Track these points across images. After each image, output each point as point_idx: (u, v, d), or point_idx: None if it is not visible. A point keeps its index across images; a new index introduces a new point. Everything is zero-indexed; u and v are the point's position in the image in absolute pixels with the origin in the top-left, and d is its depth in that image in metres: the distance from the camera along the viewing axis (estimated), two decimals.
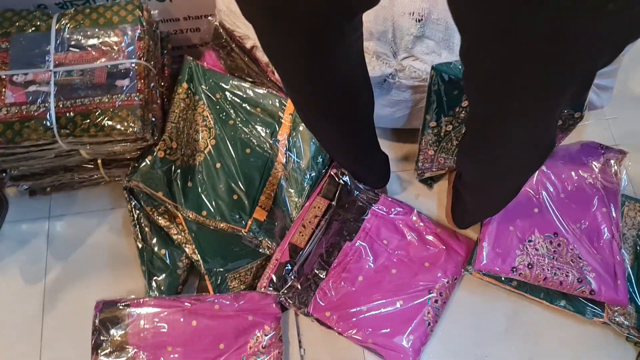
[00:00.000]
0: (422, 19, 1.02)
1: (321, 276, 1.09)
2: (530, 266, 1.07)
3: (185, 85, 1.14)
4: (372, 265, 1.12)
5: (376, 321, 1.07)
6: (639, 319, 1.08)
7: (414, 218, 1.17)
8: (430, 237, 1.15)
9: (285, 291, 1.07)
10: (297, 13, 0.61)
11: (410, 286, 1.10)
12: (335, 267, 1.10)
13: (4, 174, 1.15)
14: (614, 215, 1.14)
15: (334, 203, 1.15)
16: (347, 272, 1.10)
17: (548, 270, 1.07)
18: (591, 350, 1.11)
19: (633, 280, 1.11)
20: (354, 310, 1.07)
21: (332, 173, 1.16)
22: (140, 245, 1.12)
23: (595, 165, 1.18)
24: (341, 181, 1.16)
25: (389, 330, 1.06)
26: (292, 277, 1.08)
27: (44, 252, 1.20)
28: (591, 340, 1.12)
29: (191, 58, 1.17)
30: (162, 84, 1.17)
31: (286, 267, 1.08)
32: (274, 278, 1.07)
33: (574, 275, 1.07)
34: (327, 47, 0.68)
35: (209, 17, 1.22)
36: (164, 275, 1.10)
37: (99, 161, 1.14)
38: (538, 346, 1.12)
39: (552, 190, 1.16)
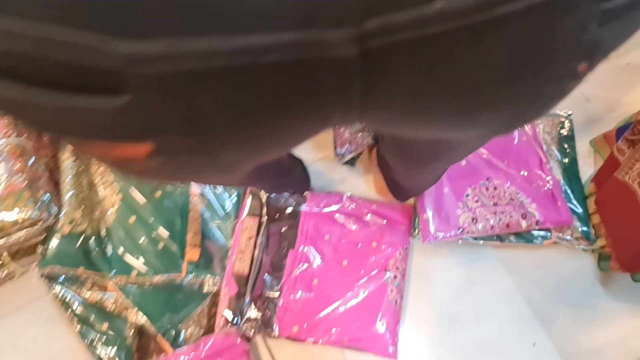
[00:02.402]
0: None
1: (275, 295, 1.05)
2: (474, 221, 1.07)
3: (70, 147, 1.05)
4: (321, 263, 1.08)
5: (345, 318, 1.04)
6: (582, 228, 1.11)
7: (347, 204, 1.14)
8: (368, 217, 1.13)
9: (245, 323, 1.02)
10: None
11: (366, 271, 1.08)
12: (287, 280, 1.06)
13: None
14: (537, 138, 1.16)
15: (263, 219, 1.10)
16: (299, 280, 1.07)
17: (492, 218, 1.07)
18: (552, 271, 1.14)
19: (570, 194, 1.13)
20: (320, 315, 1.04)
21: (252, 190, 1.12)
22: (79, 327, 1.03)
23: None
24: (263, 195, 1.12)
25: (360, 322, 1.03)
26: (247, 306, 1.03)
27: None
28: (548, 262, 1.14)
29: None
30: (44, 153, 1.07)
31: (238, 300, 1.03)
32: (229, 314, 1.02)
33: (517, 212, 1.08)
34: None
35: None
36: (114, 349, 1.02)
37: (4, 255, 1.04)
38: (502, 286, 1.13)
39: None
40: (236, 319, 1.02)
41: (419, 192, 1.09)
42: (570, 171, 1.16)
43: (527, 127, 1.16)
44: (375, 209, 1.14)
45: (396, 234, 1.11)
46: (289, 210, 1.12)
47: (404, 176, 0.95)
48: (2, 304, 1.14)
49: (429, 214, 1.09)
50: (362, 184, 1.23)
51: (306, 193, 1.15)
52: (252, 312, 1.02)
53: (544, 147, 1.16)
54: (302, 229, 1.11)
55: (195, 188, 1.07)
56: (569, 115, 1.23)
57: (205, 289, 1.04)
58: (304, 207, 1.13)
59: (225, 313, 1.02)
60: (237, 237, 1.07)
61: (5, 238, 0.95)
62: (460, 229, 1.07)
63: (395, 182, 1.04)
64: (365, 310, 1.05)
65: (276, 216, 1.11)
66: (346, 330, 1.03)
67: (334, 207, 1.14)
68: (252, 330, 1.02)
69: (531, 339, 1.09)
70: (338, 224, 1.12)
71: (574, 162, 1.18)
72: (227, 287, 1.04)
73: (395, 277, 1.07)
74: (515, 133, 1.16)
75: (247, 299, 1.03)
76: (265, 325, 1.02)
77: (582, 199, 1.14)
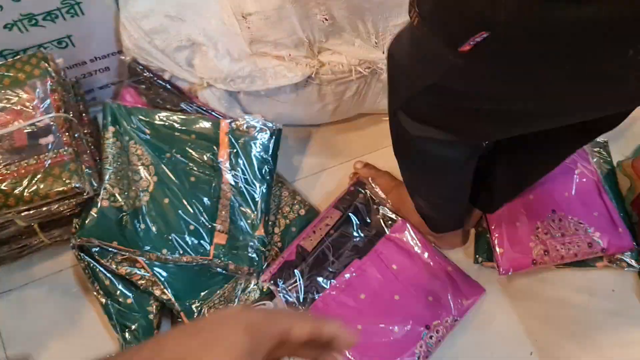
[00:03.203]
0: (327, 19, 1.05)
1: (324, 285, 1.10)
2: (546, 253, 1.14)
3: (112, 128, 1.10)
4: (376, 286, 1.13)
5: (367, 342, 1.07)
6: (633, 251, 1.17)
7: (426, 254, 1.17)
8: (440, 273, 1.16)
9: (286, 286, 1.08)
10: None
11: (409, 316, 1.10)
12: (340, 279, 1.11)
13: None
14: (592, 168, 1.22)
15: (349, 213, 1.18)
16: (351, 287, 1.11)
17: (562, 248, 1.14)
18: (608, 291, 1.19)
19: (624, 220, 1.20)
20: (349, 325, 1.07)
21: (352, 189, 1.21)
22: (103, 301, 1.07)
23: None
24: (359, 196, 1.21)
25: (378, 356, 1.06)
26: (297, 276, 1.09)
27: None
28: (605, 283, 1.20)
29: (111, 100, 1.13)
30: (86, 131, 1.12)
31: (292, 266, 1.11)
32: (278, 273, 1.10)
33: (583, 242, 1.14)
34: None
35: (120, 57, 1.18)
36: (136, 324, 1.06)
37: (36, 226, 1.08)
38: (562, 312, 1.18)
39: None
40: (281, 280, 1.09)
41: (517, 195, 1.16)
42: (617, 196, 1.24)
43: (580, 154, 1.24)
44: (449, 271, 1.16)
45: (456, 303, 1.12)
46: (377, 223, 1.19)
47: (520, 176, 1.05)
48: (26, 274, 1.18)
49: (504, 248, 1.14)
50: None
51: (399, 217, 1.20)
52: (297, 283, 1.09)
53: (600, 177, 1.22)
54: (378, 248, 1.16)
55: (227, 176, 1.13)
56: (606, 141, 1.31)
57: (229, 272, 1.09)
58: (390, 231, 1.18)
59: (275, 271, 1.10)
60: (317, 220, 1.17)
61: (47, 207, 1.00)
62: (534, 261, 1.13)
63: (494, 188, 1.10)
64: (389, 348, 1.07)
65: (365, 221, 1.19)
66: (362, 353, 1.06)
67: (417, 249, 1.18)
68: (288, 296, 1.08)
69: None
70: (410, 262, 1.16)
71: (616, 186, 1.26)
72: (287, 252, 1.12)
73: (431, 337, 1.09)
74: (572, 164, 1.23)
75: (299, 270, 1.10)
76: (299, 301, 1.08)
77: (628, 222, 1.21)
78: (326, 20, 1.05)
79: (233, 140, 1.15)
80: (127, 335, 1.06)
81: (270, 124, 1.17)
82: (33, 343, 1.11)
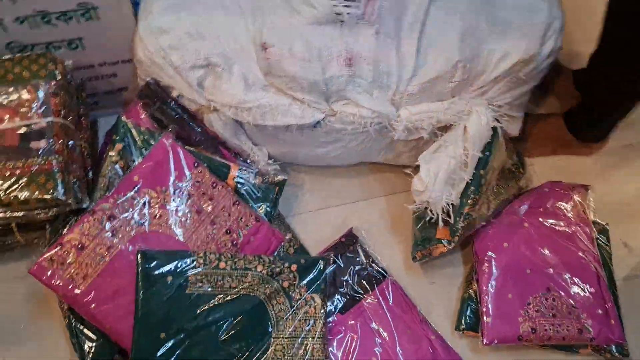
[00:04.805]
0: (350, 60, 1.03)
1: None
2: (534, 331, 1.10)
3: (119, 146, 1.07)
4: (353, 342, 1.11)
5: None
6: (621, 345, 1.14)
7: (410, 318, 1.15)
8: (422, 339, 1.13)
9: None
10: None
11: None
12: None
13: None
14: (595, 252, 1.20)
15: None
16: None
17: (550, 329, 1.10)
18: None
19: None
20: None
21: (343, 239, 1.21)
22: (67, 321, 1.03)
23: (566, 208, 1.24)
24: (350, 248, 1.20)
25: None
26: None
27: None
28: None
29: (125, 117, 1.10)
30: (82, 136, 1.09)
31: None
32: None
33: (574, 327, 1.11)
34: None
35: (139, 75, 1.14)
36: (95, 344, 1.02)
37: (13, 225, 1.04)
38: None
39: (537, 247, 1.19)
40: None
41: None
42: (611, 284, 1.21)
43: (586, 238, 1.21)
44: (432, 339, 1.14)
45: None
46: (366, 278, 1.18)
47: None
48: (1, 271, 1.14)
49: (492, 318, 1.11)
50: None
51: (387, 275, 1.19)
52: None
53: (599, 259, 1.19)
54: (361, 306, 1.14)
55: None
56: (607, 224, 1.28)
57: None
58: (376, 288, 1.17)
59: None
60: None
61: (26, 212, 0.96)
62: (520, 337, 1.10)
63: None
64: None
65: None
66: None
67: (401, 311, 1.15)
68: None
69: None
70: (393, 322, 1.14)
71: (611, 273, 1.23)
72: None
73: None
74: (576, 242, 1.21)
75: None
76: None
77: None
78: (349, 61, 1.02)
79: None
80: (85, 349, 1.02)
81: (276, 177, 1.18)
82: None
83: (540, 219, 1.24)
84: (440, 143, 1.11)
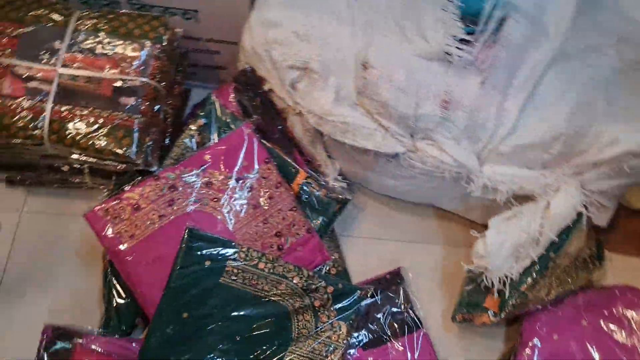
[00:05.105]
0: (447, 102, 0.99)
1: None
2: None
3: (201, 122, 1.09)
4: None
5: None
6: None
7: None
8: None
9: None
10: None
11: None
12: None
13: None
14: None
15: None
16: None
17: None
18: None
19: None
20: None
21: (388, 277, 1.17)
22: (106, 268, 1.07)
23: (633, 318, 1.13)
24: (392, 287, 1.16)
25: None
26: None
27: (7, 247, 1.14)
28: None
29: (215, 96, 1.12)
30: (170, 102, 1.12)
31: None
32: None
33: None
34: None
35: (238, 62, 1.16)
36: (123, 302, 1.05)
37: (86, 169, 1.09)
38: None
39: (588, 350, 1.10)
40: None
41: None
42: None
43: None
44: None
45: None
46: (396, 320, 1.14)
47: None
48: (59, 205, 1.20)
49: None
50: None
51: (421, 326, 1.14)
52: None
53: None
54: (387, 349, 1.11)
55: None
56: None
57: None
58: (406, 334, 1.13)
59: None
60: None
61: (98, 160, 1.00)
62: None
63: None
64: None
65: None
66: None
67: None
68: None
69: None
70: None
71: None
72: None
73: None
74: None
75: None
76: None
77: None
78: (446, 104, 0.98)
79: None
80: (112, 311, 1.05)
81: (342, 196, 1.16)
82: (33, 270, 1.13)
83: (601, 321, 1.13)
84: (515, 212, 1.04)
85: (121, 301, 1.05)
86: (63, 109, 0.97)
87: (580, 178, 1.05)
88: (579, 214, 1.05)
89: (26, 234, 1.16)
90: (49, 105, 0.97)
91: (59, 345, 0.99)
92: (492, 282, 1.07)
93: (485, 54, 0.96)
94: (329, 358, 1.05)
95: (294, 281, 1.05)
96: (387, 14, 1.02)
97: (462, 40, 0.95)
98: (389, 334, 1.13)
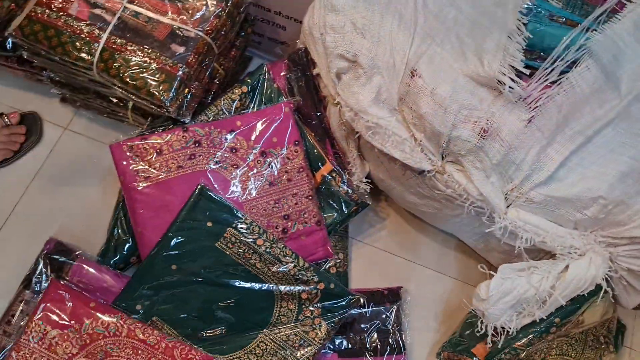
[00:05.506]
0: (486, 131, 0.93)
1: None
2: None
3: (245, 88, 1.10)
4: None
5: None
6: None
7: None
8: None
9: None
10: None
11: None
12: None
13: (44, 72, 1.16)
14: None
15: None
16: None
17: None
18: None
19: None
20: None
21: (385, 292, 1.15)
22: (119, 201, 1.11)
23: None
24: (387, 304, 1.14)
25: None
26: None
27: (43, 158, 1.21)
28: None
29: (267, 67, 1.12)
30: (222, 61, 1.13)
31: None
32: None
33: None
34: None
35: (299, 40, 1.16)
36: (124, 238, 1.09)
37: (130, 103, 1.13)
38: None
39: None
40: None
41: None
42: None
43: None
44: None
45: None
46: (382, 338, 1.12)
47: None
48: (100, 131, 1.25)
49: None
50: None
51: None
52: None
53: None
54: None
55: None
56: None
57: None
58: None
59: None
60: None
61: (135, 97, 1.03)
62: None
63: None
64: None
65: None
66: None
67: None
68: None
69: None
70: None
71: None
72: None
73: None
74: None
75: None
76: None
77: None
78: (484, 132, 0.93)
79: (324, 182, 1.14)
80: (112, 242, 1.09)
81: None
82: (59, 184, 1.20)
83: None
84: (529, 265, 0.97)
85: (123, 237, 1.09)
86: (118, 41, 1.00)
87: (612, 250, 0.97)
88: (598, 287, 0.96)
89: (62, 151, 1.22)
90: (105, 35, 1.00)
91: (57, 257, 1.04)
92: (487, 331, 1.01)
93: (539, 92, 0.90)
94: (300, 352, 1.03)
95: (288, 267, 1.04)
96: (452, 27, 0.97)
97: (518, 72, 0.90)
98: (369, 348, 1.09)
